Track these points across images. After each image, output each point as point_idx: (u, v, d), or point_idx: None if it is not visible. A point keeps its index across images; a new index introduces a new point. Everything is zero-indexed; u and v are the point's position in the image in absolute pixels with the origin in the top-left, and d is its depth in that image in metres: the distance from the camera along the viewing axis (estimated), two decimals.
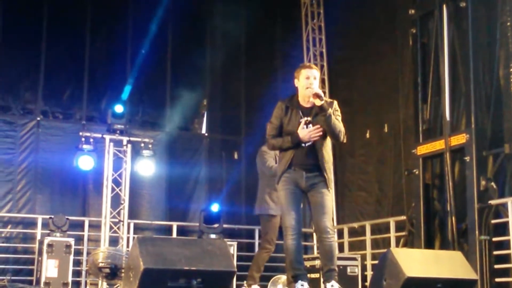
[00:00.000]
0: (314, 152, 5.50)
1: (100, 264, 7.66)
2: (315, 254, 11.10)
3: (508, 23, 8.16)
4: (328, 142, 5.62)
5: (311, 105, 5.53)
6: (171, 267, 5.05)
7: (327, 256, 5.49)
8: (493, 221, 7.85)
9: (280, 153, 5.69)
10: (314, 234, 11.52)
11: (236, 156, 12.10)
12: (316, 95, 5.38)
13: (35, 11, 11.18)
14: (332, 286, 5.38)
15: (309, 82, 5.49)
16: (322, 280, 5.56)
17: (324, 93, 5.78)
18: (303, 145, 5.48)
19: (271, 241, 7.40)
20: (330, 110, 5.43)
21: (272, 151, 7.27)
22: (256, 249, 10.58)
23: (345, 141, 5.66)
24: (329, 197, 5.56)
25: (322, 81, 12.10)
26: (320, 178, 5.52)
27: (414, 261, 5.75)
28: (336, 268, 5.50)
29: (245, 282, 7.58)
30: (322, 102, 5.40)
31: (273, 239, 7.41)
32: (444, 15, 8.63)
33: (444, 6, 8.64)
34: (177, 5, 11.78)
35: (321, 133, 5.44)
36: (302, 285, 5.36)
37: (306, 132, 5.42)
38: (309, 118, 5.51)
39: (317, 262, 9.00)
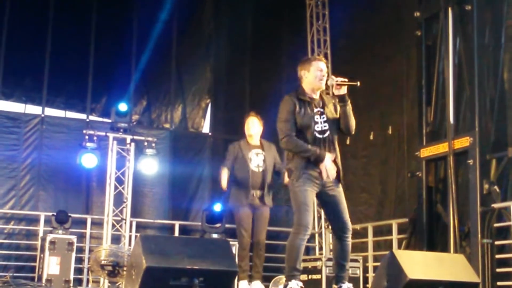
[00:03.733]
0: (331, 145, 5.46)
1: (103, 262, 7.66)
2: (317, 255, 11.11)
3: None
4: (337, 136, 5.59)
5: (319, 96, 5.54)
6: (173, 265, 5.06)
7: (346, 256, 5.50)
8: (495, 225, 7.84)
9: (287, 152, 5.60)
10: (318, 235, 11.53)
11: None
12: (342, 83, 5.38)
13: (40, 8, 11.20)
14: (348, 287, 5.42)
15: (322, 74, 5.49)
16: (335, 280, 5.53)
17: (327, 93, 5.75)
18: (319, 136, 5.41)
19: (243, 234, 7.65)
20: (349, 101, 5.43)
21: (236, 147, 7.65)
22: None
23: (353, 133, 5.64)
24: (343, 195, 5.55)
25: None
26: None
27: (416, 264, 5.75)
28: None
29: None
30: (345, 92, 5.40)
31: (245, 230, 7.63)
32: (449, 17, 8.62)
33: (450, 8, 8.63)
34: (182, 3, 11.79)
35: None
36: (297, 285, 5.35)
37: (330, 167, 5.36)
38: (321, 109, 5.48)
39: (319, 263, 9.00)
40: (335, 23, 12.26)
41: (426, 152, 8.77)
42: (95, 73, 11.51)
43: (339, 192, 5.53)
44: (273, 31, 12.85)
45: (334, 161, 5.47)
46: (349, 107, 5.46)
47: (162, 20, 11.50)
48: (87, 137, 9.97)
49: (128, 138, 10.34)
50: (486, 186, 7.89)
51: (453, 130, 8.39)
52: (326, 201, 5.52)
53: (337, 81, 5.40)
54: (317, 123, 5.43)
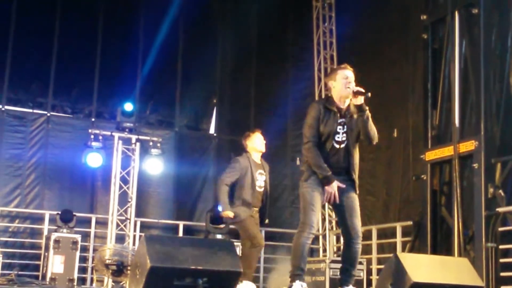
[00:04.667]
0: (347, 156, 5.48)
1: (107, 261, 7.67)
2: (321, 257, 11.12)
3: None
4: (357, 145, 5.61)
5: (346, 107, 5.54)
6: (177, 265, 5.06)
7: (354, 261, 5.52)
8: (500, 229, 7.82)
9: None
10: (321, 237, 11.54)
11: None
12: (358, 93, 5.39)
13: (47, 9, 11.24)
14: None
15: (348, 82, 5.50)
16: (339, 282, 5.56)
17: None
18: (336, 145, 5.45)
19: (257, 237, 7.36)
20: (367, 111, 5.44)
21: (246, 162, 7.40)
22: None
23: (376, 141, 5.63)
24: (358, 201, 5.57)
25: None
26: (348, 182, 5.52)
27: (420, 267, 5.74)
28: None
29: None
30: (362, 102, 5.40)
31: (257, 234, 7.38)
32: (456, 21, 8.61)
33: (456, 12, 8.62)
34: (188, 5, 11.82)
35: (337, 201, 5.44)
36: (301, 286, 5.36)
37: (331, 190, 5.38)
38: (344, 120, 5.49)
39: (322, 265, 9.01)
40: (342, 26, 12.27)
41: (431, 155, 8.76)
42: (101, 75, 11.54)
43: (353, 198, 5.53)
44: (279, 32, 12.88)
45: (349, 173, 5.51)
46: (367, 117, 5.45)
47: (168, 22, 11.52)
48: (92, 136, 10.00)
49: (134, 138, 10.36)
50: (491, 190, 7.88)
51: (459, 133, 8.39)
52: (338, 205, 5.53)
53: (353, 90, 5.42)
54: (338, 133, 5.47)
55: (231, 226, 9.93)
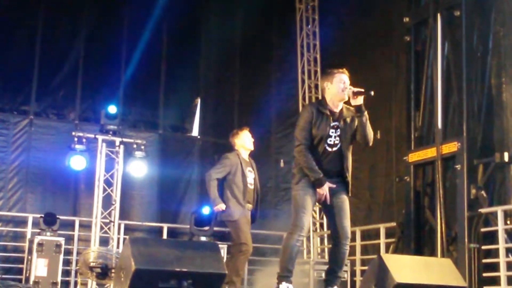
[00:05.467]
0: (340, 158, 5.49)
1: (91, 264, 7.66)
2: (305, 258, 11.14)
3: (501, 33, 8.23)
4: (351, 148, 5.62)
5: (339, 110, 5.55)
6: (162, 268, 5.07)
7: (341, 263, 5.53)
8: (482, 230, 7.89)
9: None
10: (306, 239, 11.55)
11: None
12: (358, 93, 5.40)
13: (30, 12, 11.20)
14: None
15: (345, 86, 5.51)
16: (325, 283, 5.55)
17: (348, 106, 5.74)
18: (328, 149, 5.45)
19: (248, 243, 7.29)
20: (366, 112, 5.45)
21: (235, 160, 7.34)
22: None
23: (371, 143, 5.64)
24: (348, 203, 5.58)
25: (316, 86, 12.16)
26: (341, 184, 5.53)
27: (404, 267, 5.78)
28: None
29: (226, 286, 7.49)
30: (362, 102, 5.42)
31: (248, 240, 7.30)
32: (438, 23, 8.67)
33: (439, 14, 8.68)
34: (172, 7, 11.81)
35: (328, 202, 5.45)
36: (288, 287, 5.37)
37: (323, 192, 5.38)
38: (338, 123, 5.50)
39: (307, 267, 9.03)
40: (325, 28, 12.31)
41: (414, 157, 8.82)
42: (84, 78, 11.51)
43: (344, 199, 5.55)
44: (263, 35, 12.90)
45: (342, 174, 5.53)
46: (365, 118, 5.48)
47: (152, 24, 11.51)
48: (76, 139, 9.95)
49: (117, 140, 10.33)
50: (473, 191, 7.95)
51: (441, 135, 8.44)
52: (329, 206, 5.54)
53: (353, 91, 5.44)
54: (330, 136, 5.47)
55: (216, 228, 9.96)
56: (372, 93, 5.40)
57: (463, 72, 8.27)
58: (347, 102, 5.55)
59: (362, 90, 5.43)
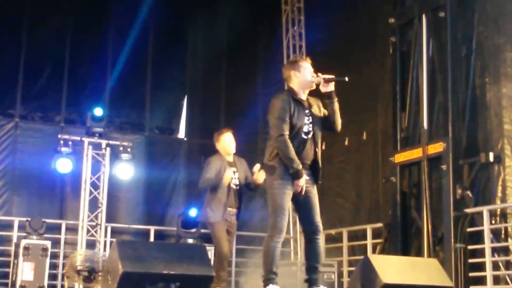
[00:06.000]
0: (313, 146, 5.48)
1: (78, 267, 7.65)
2: (292, 260, 11.16)
3: (484, 34, 8.29)
4: (321, 134, 5.60)
5: (307, 98, 5.57)
6: (149, 270, 5.06)
7: (318, 258, 5.50)
8: (468, 230, 7.94)
9: (273, 147, 5.45)
10: (293, 240, 11.58)
11: None
12: (330, 80, 5.42)
13: (15, 14, 11.14)
14: None
15: (312, 74, 5.52)
16: (308, 283, 5.49)
17: (310, 93, 5.75)
18: (304, 137, 5.42)
19: (221, 246, 7.21)
20: (336, 98, 5.46)
21: (218, 163, 7.31)
22: (234, 254, 10.52)
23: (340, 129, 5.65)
24: (317, 196, 5.57)
25: None
26: (311, 177, 5.52)
27: (391, 268, 5.80)
28: None
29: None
30: (333, 89, 5.43)
31: (222, 243, 7.23)
32: (424, 24, 8.72)
33: (424, 15, 8.73)
34: (158, 9, 11.80)
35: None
36: None
37: (302, 185, 5.34)
38: (309, 111, 5.49)
39: (294, 268, 9.04)
40: (311, 29, 12.33)
41: (400, 157, 8.85)
42: (70, 81, 11.47)
43: (314, 194, 5.55)
44: (249, 36, 12.91)
45: (315, 161, 5.51)
46: (336, 104, 5.51)
47: (138, 26, 11.48)
48: (62, 141, 9.93)
49: (104, 143, 10.31)
50: (459, 191, 8.00)
51: (427, 135, 8.48)
52: (300, 201, 5.52)
53: (324, 78, 5.44)
54: (306, 124, 5.47)
55: (203, 230, 9.95)
56: (346, 78, 5.42)
57: (448, 73, 8.31)
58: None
59: (333, 76, 5.44)
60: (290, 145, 5.36)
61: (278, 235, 5.37)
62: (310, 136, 5.48)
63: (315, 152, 5.52)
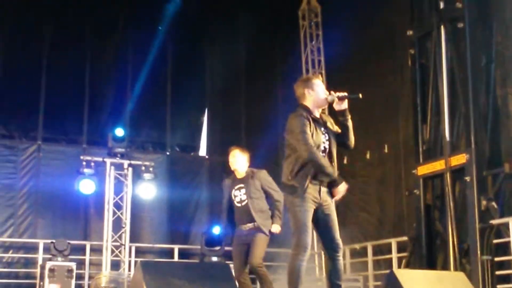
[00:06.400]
0: (330, 162, 5.44)
1: None
2: (317, 275, 11.09)
3: (503, 43, 8.24)
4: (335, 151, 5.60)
5: (320, 116, 5.56)
6: None
7: (340, 275, 5.44)
8: (494, 241, 7.84)
9: (292, 165, 5.36)
10: (317, 256, 11.51)
11: None
12: (343, 98, 5.40)
13: (36, 37, 11.27)
14: None
15: (325, 92, 5.51)
16: None
17: (323, 111, 5.74)
18: (322, 154, 5.36)
19: (235, 269, 7.25)
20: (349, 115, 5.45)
21: (227, 185, 7.25)
22: None
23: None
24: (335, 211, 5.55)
25: None
26: (329, 193, 5.47)
27: (417, 282, 5.76)
28: None
29: None
30: (346, 107, 5.42)
31: (235, 266, 7.22)
32: (442, 35, 8.69)
33: (442, 26, 8.70)
34: (177, 29, 11.87)
35: None
36: None
37: (345, 188, 5.37)
38: (325, 128, 5.46)
39: (319, 284, 8.98)
40: (329, 44, 12.34)
41: (423, 169, 8.79)
42: (91, 102, 11.56)
43: (333, 211, 5.51)
44: (267, 52, 12.92)
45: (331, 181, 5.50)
46: (350, 122, 5.49)
47: (157, 45, 11.55)
48: (84, 163, 9.99)
49: (126, 163, 10.35)
50: (484, 202, 7.91)
51: (449, 147, 8.42)
52: (320, 219, 5.48)
53: (338, 96, 5.42)
54: (323, 142, 5.45)
55: (226, 248, 9.93)
56: (360, 95, 5.39)
57: (469, 83, 8.27)
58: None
59: (346, 94, 5.42)
60: (320, 155, 5.33)
61: (303, 253, 5.31)
62: (326, 153, 5.47)
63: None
